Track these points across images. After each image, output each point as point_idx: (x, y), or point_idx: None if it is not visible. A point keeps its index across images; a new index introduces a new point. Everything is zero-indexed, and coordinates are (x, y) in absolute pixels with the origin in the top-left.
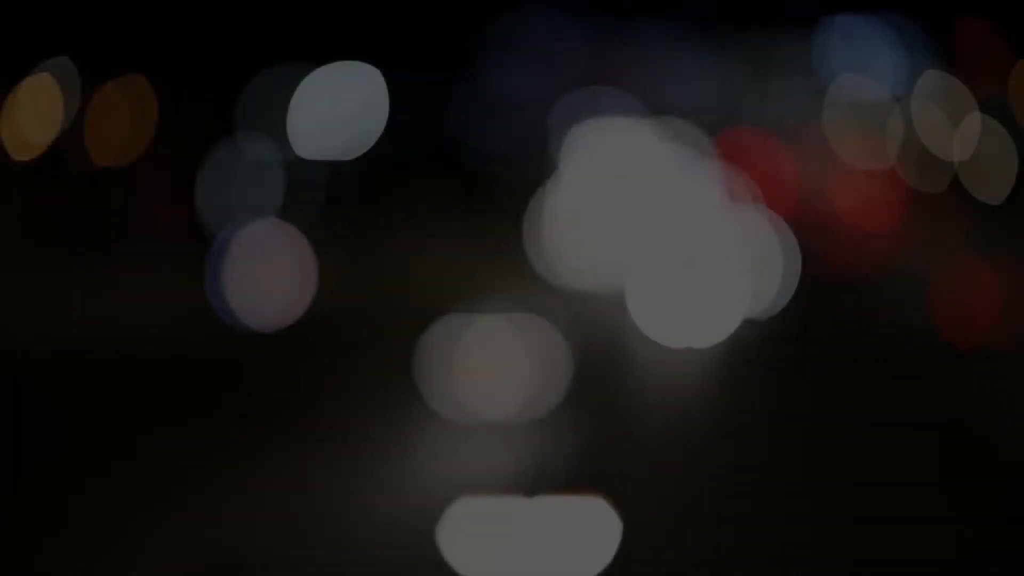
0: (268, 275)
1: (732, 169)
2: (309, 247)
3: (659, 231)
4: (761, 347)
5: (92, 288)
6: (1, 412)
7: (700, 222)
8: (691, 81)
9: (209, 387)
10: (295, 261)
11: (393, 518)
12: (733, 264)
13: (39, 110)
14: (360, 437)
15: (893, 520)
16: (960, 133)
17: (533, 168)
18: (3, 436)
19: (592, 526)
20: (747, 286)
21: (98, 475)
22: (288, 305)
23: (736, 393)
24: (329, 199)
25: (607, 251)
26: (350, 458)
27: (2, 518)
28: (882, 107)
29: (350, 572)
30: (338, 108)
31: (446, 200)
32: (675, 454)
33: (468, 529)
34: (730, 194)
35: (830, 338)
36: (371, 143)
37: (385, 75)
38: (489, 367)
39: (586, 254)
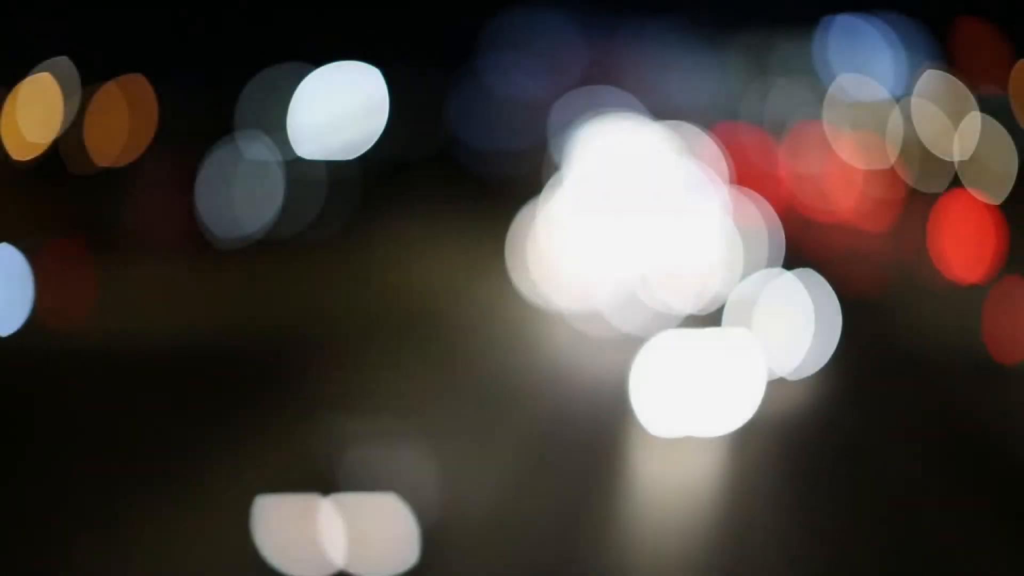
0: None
1: (734, 172)
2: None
3: (663, 273)
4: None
5: (90, 287)
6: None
7: (708, 263)
8: (691, 81)
9: (213, 388)
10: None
11: None
12: (749, 316)
13: (39, 110)
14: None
15: None
16: (960, 133)
17: (533, 169)
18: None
19: None
20: (768, 343)
21: (96, 474)
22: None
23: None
24: (328, 199)
25: (601, 274)
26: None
27: None
28: (882, 107)
29: None
30: (338, 108)
31: (444, 200)
32: None
33: None
34: (737, 212)
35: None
36: (371, 143)
37: (385, 75)
38: None
39: (577, 276)
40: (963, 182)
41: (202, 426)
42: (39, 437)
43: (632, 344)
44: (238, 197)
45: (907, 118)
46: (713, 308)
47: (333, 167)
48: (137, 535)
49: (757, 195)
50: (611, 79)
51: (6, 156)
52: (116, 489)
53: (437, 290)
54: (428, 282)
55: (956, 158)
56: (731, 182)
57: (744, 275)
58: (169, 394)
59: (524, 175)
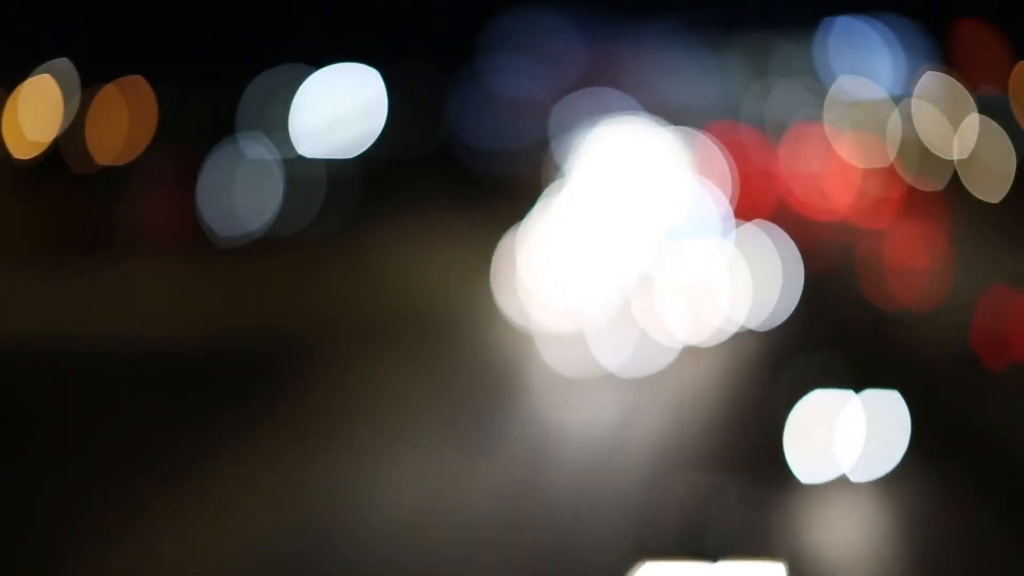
0: None
1: (736, 178)
2: None
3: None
4: None
5: (93, 287)
6: (1, 410)
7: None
8: (692, 83)
9: (212, 386)
10: None
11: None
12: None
13: (40, 111)
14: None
15: None
16: (959, 134)
17: (532, 171)
18: (2, 434)
19: None
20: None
21: (96, 474)
22: None
23: None
24: (327, 198)
25: (591, 296)
26: (335, 456)
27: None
28: (882, 108)
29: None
30: (338, 108)
31: (442, 201)
32: None
33: None
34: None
35: None
36: (370, 143)
37: (385, 76)
38: None
39: (564, 297)
40: (962, 181)
41: (198, 424)
42: (37, 436)
43: (617, 388)
44: (238, 196)
45: (907, 119)
46: (717, 340)
47: (332, 167)
48: (134, 533)
49: (763, 208)
50: (611, 81)
51: (7, 155)
52: (114, 487)
53: (424, 297)
54: (416, 287)
55: (955, 157)
56: (734, 189)
57: (754, 301)
58: (165, 393)
59: (523, 178)
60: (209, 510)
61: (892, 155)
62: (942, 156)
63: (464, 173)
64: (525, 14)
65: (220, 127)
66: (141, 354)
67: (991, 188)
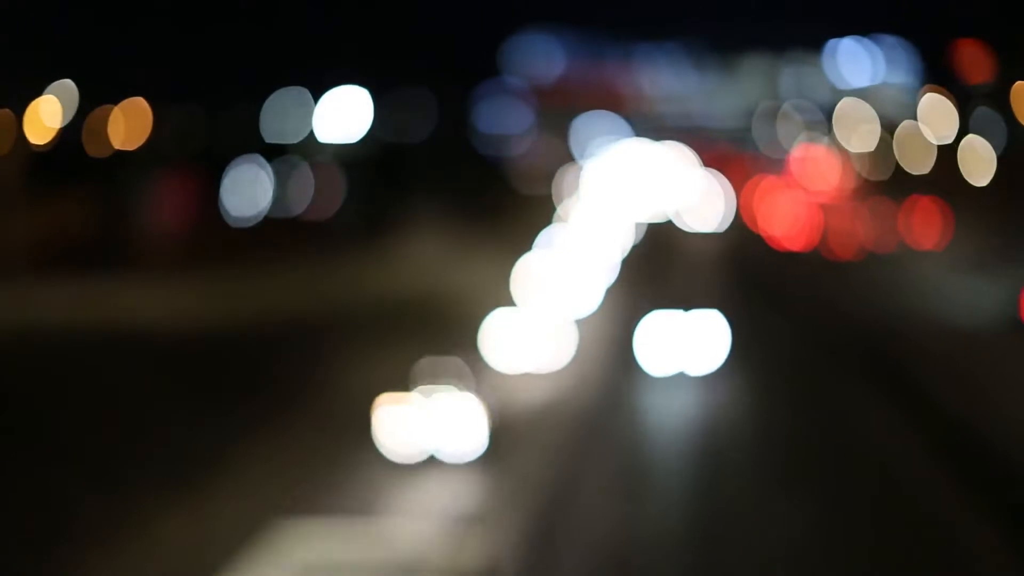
0: None
1: (737, 193)
2: None
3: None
4: None
5: (96, 280)
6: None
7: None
8: (695, 104)
9: (213, 380)
10: None
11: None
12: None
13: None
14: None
15: None
16: (960, 149)
17: (536, 179)
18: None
19: None
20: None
21: (105, 465)
22: None
23: None
24: (320, 194)
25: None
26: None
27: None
28: (884, 123)
29: None
30: (337, 117)
31: (444, 198)
32: None
33: None
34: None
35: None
36: (361, 144)
37: (389, 94)
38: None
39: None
40: (960, 168)
41: (200, 422)
42: (39, 429)
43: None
44: (246, 187)
45: (908, 133)
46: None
47: (335, 157)
48: (137, 532)
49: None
50: (617, 102)
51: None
52: (119, 486)
53: (424, 292)
54: (415, 282)
55: (945, 143)
56: (733, 205)
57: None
58: (168, 387)
59: (527, 182)
60: (210, 510)
61: (892, 167)
62: (935, 144)
63: (463, 188)
64: (530, 39)
65: (226, 131)
66: (142, 347)
67: (979, 174)
